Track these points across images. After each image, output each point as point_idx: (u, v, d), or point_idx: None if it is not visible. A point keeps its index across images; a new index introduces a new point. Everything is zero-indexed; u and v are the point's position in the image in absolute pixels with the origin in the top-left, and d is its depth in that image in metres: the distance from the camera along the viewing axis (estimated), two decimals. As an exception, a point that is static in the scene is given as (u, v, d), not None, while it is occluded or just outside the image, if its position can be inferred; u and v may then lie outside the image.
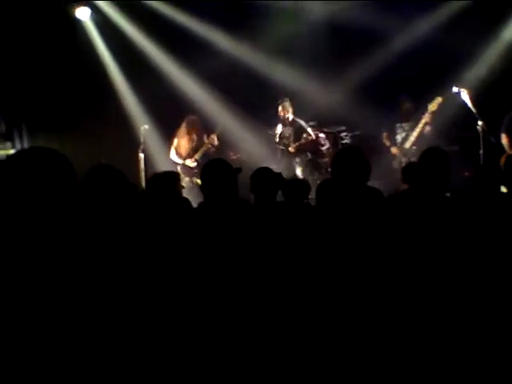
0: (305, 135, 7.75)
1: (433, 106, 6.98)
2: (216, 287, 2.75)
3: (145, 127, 7.42)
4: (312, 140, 8.04)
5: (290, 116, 7.75)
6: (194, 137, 7.41)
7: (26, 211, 1.79)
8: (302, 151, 7.89)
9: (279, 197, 3.99)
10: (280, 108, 7.77)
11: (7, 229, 1.78)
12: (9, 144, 7.44)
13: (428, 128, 7.09)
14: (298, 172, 7.67)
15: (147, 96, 8.11)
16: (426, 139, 6.96)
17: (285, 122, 7.77)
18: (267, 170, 3.92)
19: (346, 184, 3.32)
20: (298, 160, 7.82)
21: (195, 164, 7.30)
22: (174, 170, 6.67)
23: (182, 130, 7.41)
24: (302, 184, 4.39)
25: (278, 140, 7.77)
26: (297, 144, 7.71)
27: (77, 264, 1.84)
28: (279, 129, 7.77)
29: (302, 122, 7.80)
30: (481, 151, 6.30)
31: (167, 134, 7.76)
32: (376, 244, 3.04)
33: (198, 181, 6.93)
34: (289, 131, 7.79)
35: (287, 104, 7.76)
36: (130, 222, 2.56)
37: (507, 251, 3.08)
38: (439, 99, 6.94)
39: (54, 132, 7.30)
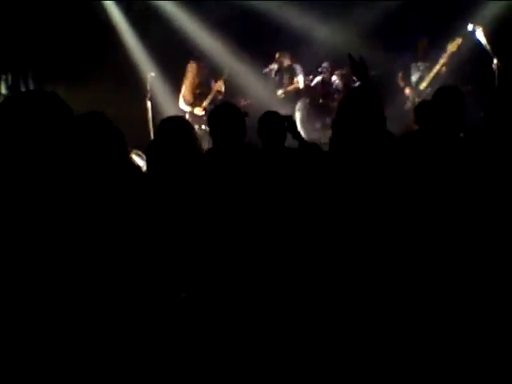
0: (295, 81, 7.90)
1: (452, 47, 6.75)
2: (223, 236, 2.72)
3: (151, 75, 7.28)
4: (324, 84, 7.93)
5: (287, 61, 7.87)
6: (201, 83, 7.24)
7: (19, 152, 1.75)
8: (300, 96, 7.95)
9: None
10: (277, 55, 7.88)
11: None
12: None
13: (444, 69, 6.89)
14: (298, 119, 7.57)
15: (153, 43, 7.97)
16: (441, 80, 6.77)
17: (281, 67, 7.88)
18: (274, 113, 3.84)
19: (357, 126, 3.23)
20: (298, 106, 7.82)
21: (203, 112, 7.18)
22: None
23: (189, 76, 7.25)
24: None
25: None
26: (284, 90, 7.89)
27: (74, 211, 1.81)
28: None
29: (298, 68, 7.88)
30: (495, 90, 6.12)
31: (175, 81, 7.62)
32: (387, 187, 2.98)
33: None
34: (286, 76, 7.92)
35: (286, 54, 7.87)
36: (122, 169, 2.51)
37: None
38: (459, 40, 6.69)
39: (60, 81, 7.20)
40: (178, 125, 3.90)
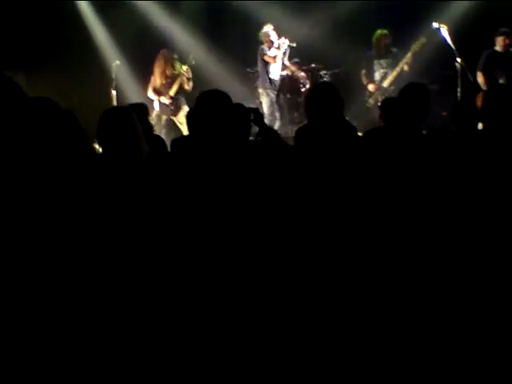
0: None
1: (416, 46, 6.84)
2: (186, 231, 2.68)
3: (116, 63, 7.18)
4: (291, 78, 7.92)
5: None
6: (169, 71, 7.13)
7: None
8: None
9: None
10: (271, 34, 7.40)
11: None
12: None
13: (406, 67, 6.98)
14: (265, 110, 7.52)
15: (119, 30, 7.84)
16: (404, 78, 6.85)
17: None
18: (240, 105, 3.81)
19: (320, 120, 3.24)
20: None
21: (170, 101, 7.08)
22: (150, 108, 6.51)
23: (157, 65, 7.13)
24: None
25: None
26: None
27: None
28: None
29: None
30: (458, 89, 6.23)
31: (140, 69, 7.53)
32: (351, 182, 3.00)
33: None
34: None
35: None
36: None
37: (482, 187, 3.05)
38: (423, 40, 6.78)
39: (21, 70, 7.01)
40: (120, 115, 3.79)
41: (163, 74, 7.09)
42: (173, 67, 7.09)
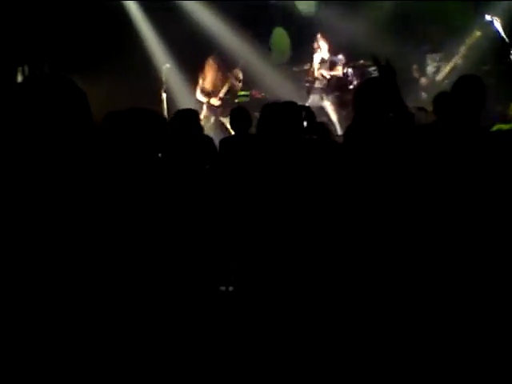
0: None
1: (470, 40, 6.71)
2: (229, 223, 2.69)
3: (166, 66, 7.31)
4: (339, 76, 7.84)
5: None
6: (218, 74, 7.24)
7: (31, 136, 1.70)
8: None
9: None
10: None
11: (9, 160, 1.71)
12: (31, 86, 7.34)
13: (461, 61, 6.83)
14: (329, 111, 7.48)
15: (169, 34, 7.95)
16: (458, 72, 6.69)
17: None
18: (291, 104, 3.80)
19: (370, 117, 3.18)
20: (327, 97, 7.63)
21: (219, 102, 7.16)
22: (199, 109, 6.59)
23: (206, 68, 7.27)
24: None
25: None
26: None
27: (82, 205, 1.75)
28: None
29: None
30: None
31: (190, 72, 7.65)
32: (402, 179, 2.94)
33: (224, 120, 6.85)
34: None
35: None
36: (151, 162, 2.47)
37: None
38: (478, 33, 6.67)
39: (76, 73, 7.19)
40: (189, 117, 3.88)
41: (213, 78, 7.21)
42: (222, 71, 7.18)
